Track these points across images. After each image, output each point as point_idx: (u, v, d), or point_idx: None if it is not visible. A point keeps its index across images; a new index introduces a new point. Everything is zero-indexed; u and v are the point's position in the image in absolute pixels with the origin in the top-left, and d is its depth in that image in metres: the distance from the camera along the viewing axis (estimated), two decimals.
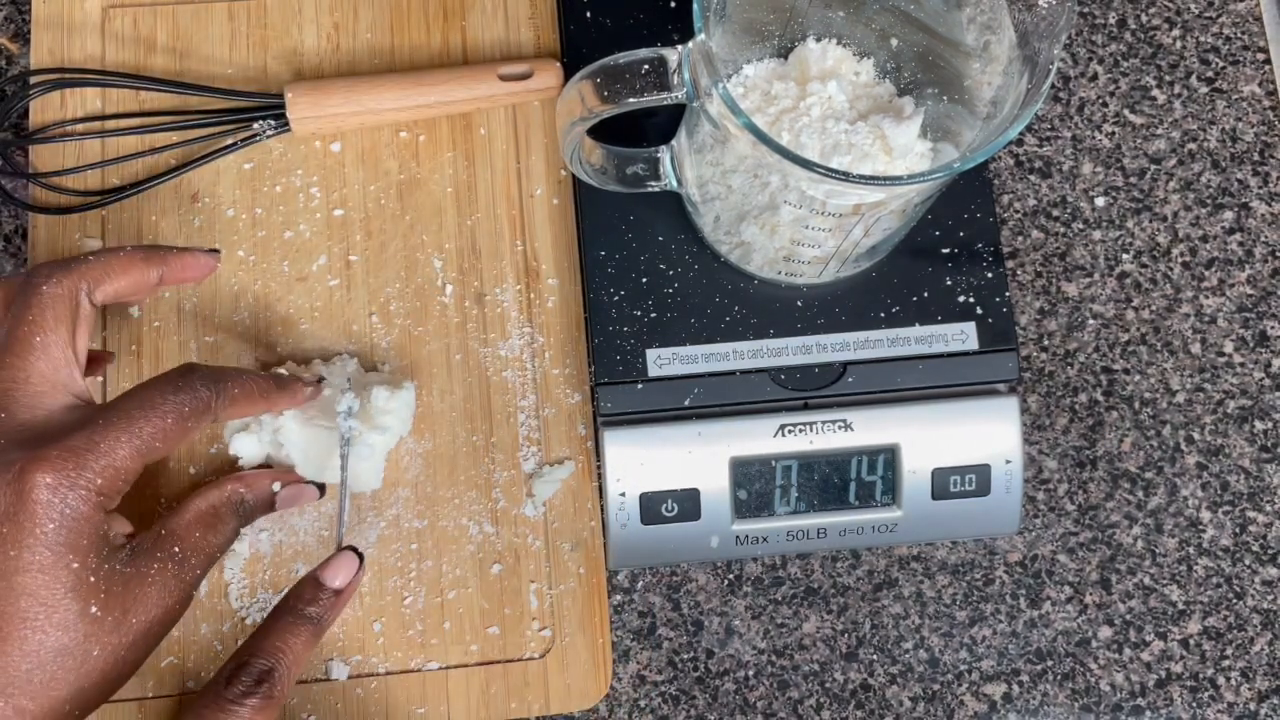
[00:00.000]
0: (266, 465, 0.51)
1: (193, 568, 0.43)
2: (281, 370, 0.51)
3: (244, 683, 0.42)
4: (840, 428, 0.51)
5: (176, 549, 0.43)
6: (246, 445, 0.50)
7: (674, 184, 0.50)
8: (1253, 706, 0.54)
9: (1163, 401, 0.57)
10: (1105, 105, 0.60)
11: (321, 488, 0.50)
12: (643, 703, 0.53)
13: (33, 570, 0.39)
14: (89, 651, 0.40)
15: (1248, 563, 0.55)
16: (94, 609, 0.40)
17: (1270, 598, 0.55)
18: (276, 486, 0.48)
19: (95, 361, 0.49)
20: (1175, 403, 0.57)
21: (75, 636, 0.40)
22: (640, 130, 0.52)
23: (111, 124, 0.55)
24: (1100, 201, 0.59)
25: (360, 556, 0.46)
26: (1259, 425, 0.57)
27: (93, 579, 0.40)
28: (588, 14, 0.54)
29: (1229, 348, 0.57)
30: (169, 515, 0.44)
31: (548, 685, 0.51)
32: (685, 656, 0.53)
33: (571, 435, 0.53)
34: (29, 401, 0.42)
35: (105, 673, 0.41)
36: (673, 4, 0.54)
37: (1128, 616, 0.55)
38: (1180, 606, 0.55)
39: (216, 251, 0.50)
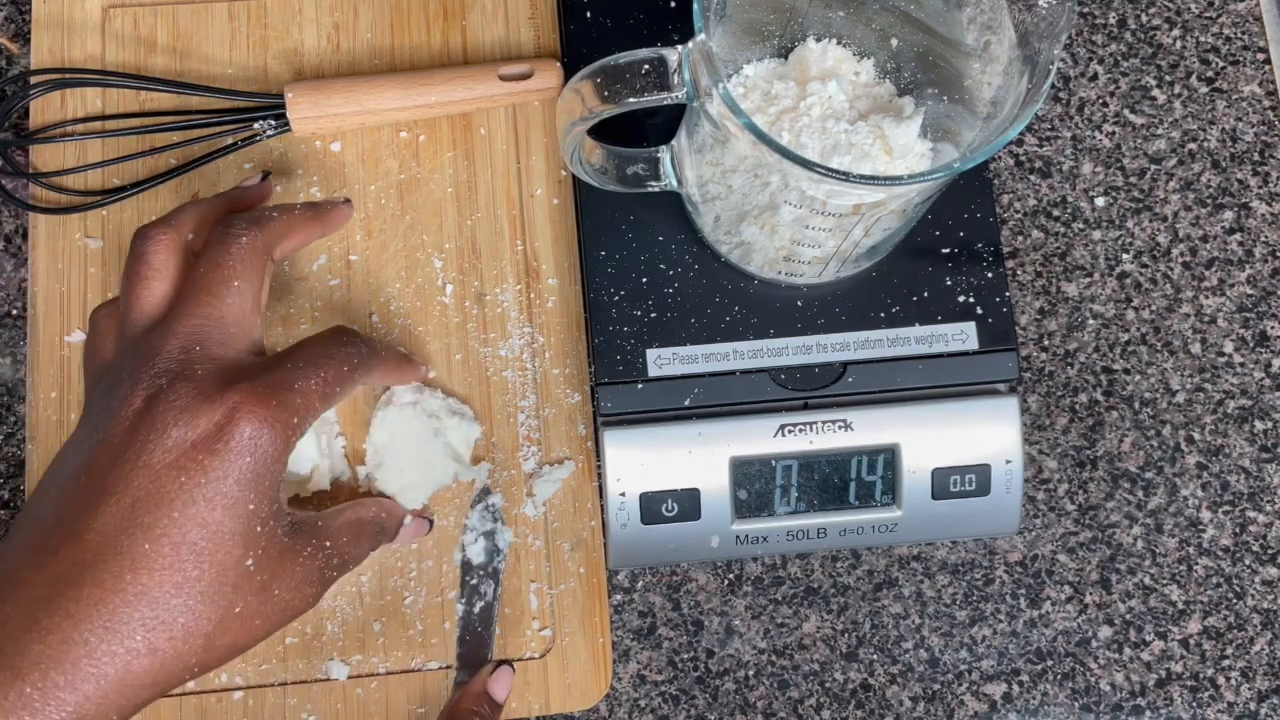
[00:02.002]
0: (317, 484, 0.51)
1: (333, 569, 0.43)
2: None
3: None
4: (840, 428, 0.51)
5: (328, 543, 0.43)
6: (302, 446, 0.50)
7: (674, 184, 0.50)
8: (1253, 706, 0.54)
9: (1163, 401, 0.57)
10: (1105, 105, 0.60)
11: (430, 522, 0.52)
12: (643, 703, 0.53)
13: (215, 503, 0.38)
14: (231, 606, 0.39)
15: (1248, 562, 0.55)
16: (250, 562, 0.39)
17: (1270, 597, 0.55)
18: (408, 520, 0.50)
19: None
20: (1175, 403, 0.57)
21: (225, 583, 0.39)
22: (640, 130, 0.52)
23: (112, 124, 0.55)
24: (1100, 201, 0.59)
25: (513, 669, 0.50)
26: (1259, 425, 0.57)
27: (259, 529, 0.39)
28: (588, 14, 0.54)
29: (1229, 348, 0.58)
30: (325, 514, 0.45)
31: (548, 685, 0.51)
32: (685, 656, 0.53)
33: (571, 435, 0.53)
34: (221, 339, 0.42)
35: (234, 635, 0.40)
36: (673, 4, 0.54)
37: (1128, 616, 0.55)
38: (1180, 606, 0.55)
39: (349, 202, 0.51)
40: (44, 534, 0.38)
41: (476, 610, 0.50)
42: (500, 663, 0.49)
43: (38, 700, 0.35)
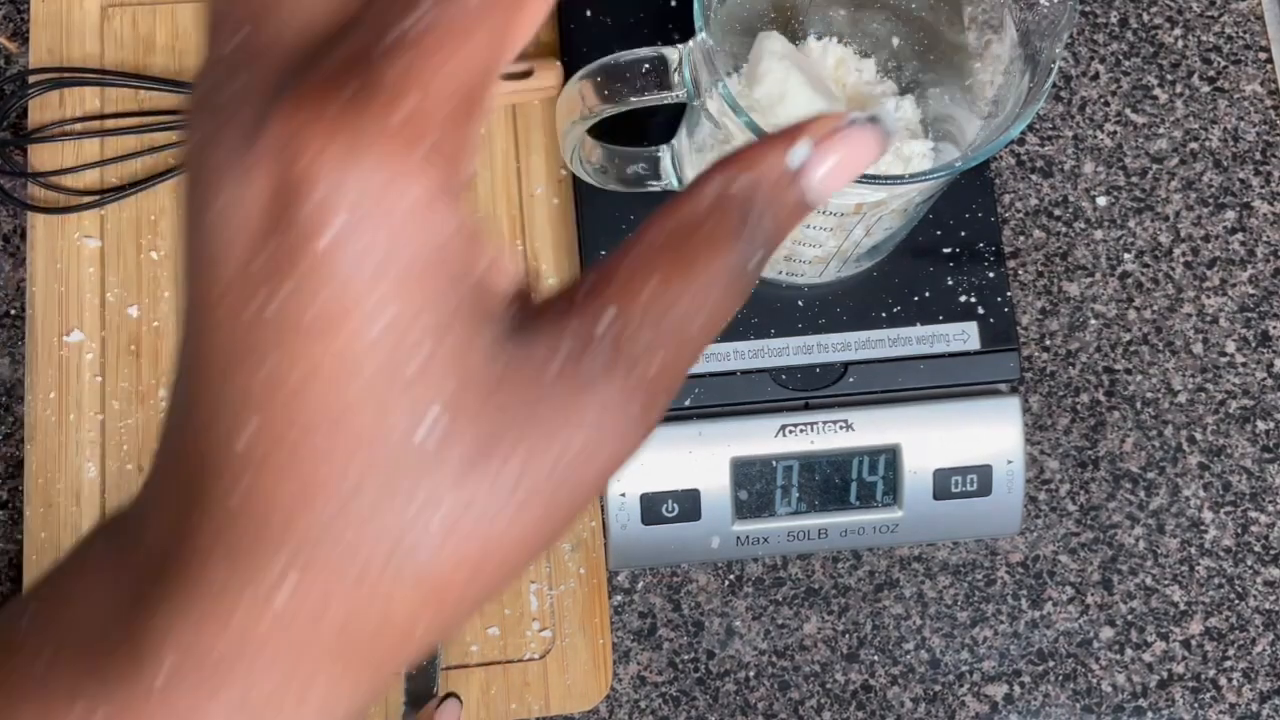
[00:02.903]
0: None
1: (648, 359, 0.20)
2: None
3: None
4: (841, 428, 0.50)
5: (623, 324, 0.20)
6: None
7: (675, 183, 0.50)
8: (1255, 707, 0.54)
9: (1164, 401, 0.57)
10: (1107, 104, 0.60)
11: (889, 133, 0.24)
12: (643, 704, 0.53)
13: (344, 365, 0.18)
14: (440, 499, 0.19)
15: (1250, 563, 0.55)
16: (499, 396, 0.19)
17: (1272, 598, 0.55)
18: (801, 152, 0.21)
19: None
20: (1177, 403, 0.57)
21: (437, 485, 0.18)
22: (641, 130, 0.52)
23: (110, 123, 0.55)
24: (1102, 201, 0.59)
25: (461, 702, 0.48)
26: (1261, 425, 0.57)
27: (474, 359, 0.19)
28: (588, 13, 0.54)
29: (1231, 348, 0.57)
30: (594, 271, 0.21)
31: (548, 686, 0.51)
32: (686, 657, 0.53)
33: None
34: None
35: (490, 548, 0.19)
36: (673, 3, 0.54)
37: (1129, 617, 0.55)
38: (1182, 607, 0.55)
39: None
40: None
41: None
42: (447, 695, 0.48)
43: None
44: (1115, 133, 0.59)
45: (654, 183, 0.50)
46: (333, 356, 0.18)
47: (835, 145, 0.21)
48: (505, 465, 0.19)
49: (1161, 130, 0.59)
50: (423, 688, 0.49)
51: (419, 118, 0.18)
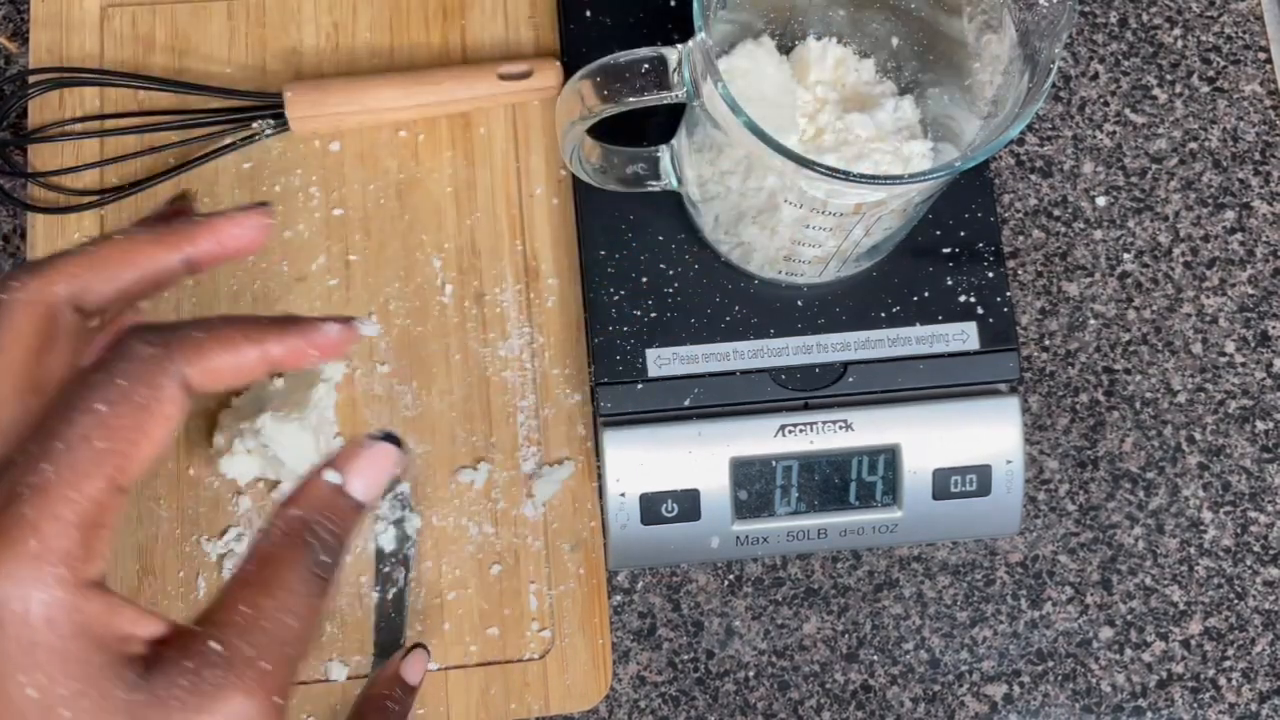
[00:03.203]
0: (263, 479, 0.51)
1: (254, 663, 0.27)
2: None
3: None
4: (841, 428, 0.50)
5: (214, 643, 0.26)
6: (237, 465, 0.50)
7: (674, 183, 0.50)
8: (1254, 707, 0.54)
9: (1164, 401, 0.57)
10: (1106, 104, 0.60)
11: (400, 442, 0.31)
12: (643, 704, 0.53)
13: None
14: None
15: (1249, 563, 0.55)
16: None
17: (1272, 598, 0.55)
18: (333, 476, 0.30)
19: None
20: (1176, 403, 0.57)
21: None
22: (640, 130, 0.52)
23: (110, 123, 0.55)
24: (1101, 201, 0.59)
25: (429, 652, 0.48)
26: (1260, 425, 0.57)
27: (68, 714, 0.25)
28: (588, 13, 0.54)
29: (1230, 348, 0.57)
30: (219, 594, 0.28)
31: (547, 686, 0.51)
32: (685, 657, 0.53)
33: (571, 435, 0.53)
34: None
35: None
36: (673, 3, 0.54)
37: (1129, 617, 0.55)
38: (1181, 607, 0.55)
39: (265, 205, 0.36)
40: None
41: (390, 597, 0.50)
42: (414, 646, 0.48)
43: None
44: (1115, 133, 0.59)
45: (653, 183, 0.50)
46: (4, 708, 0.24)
47: (360, 466, 0.30)
48: None
49: (1161, 130, 0.59)
50: (390, 639, 0.50)
51: (54, 540, 0.25)
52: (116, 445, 0.27)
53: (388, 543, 0.50)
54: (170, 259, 0.34)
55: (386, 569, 0.50)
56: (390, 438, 0.32)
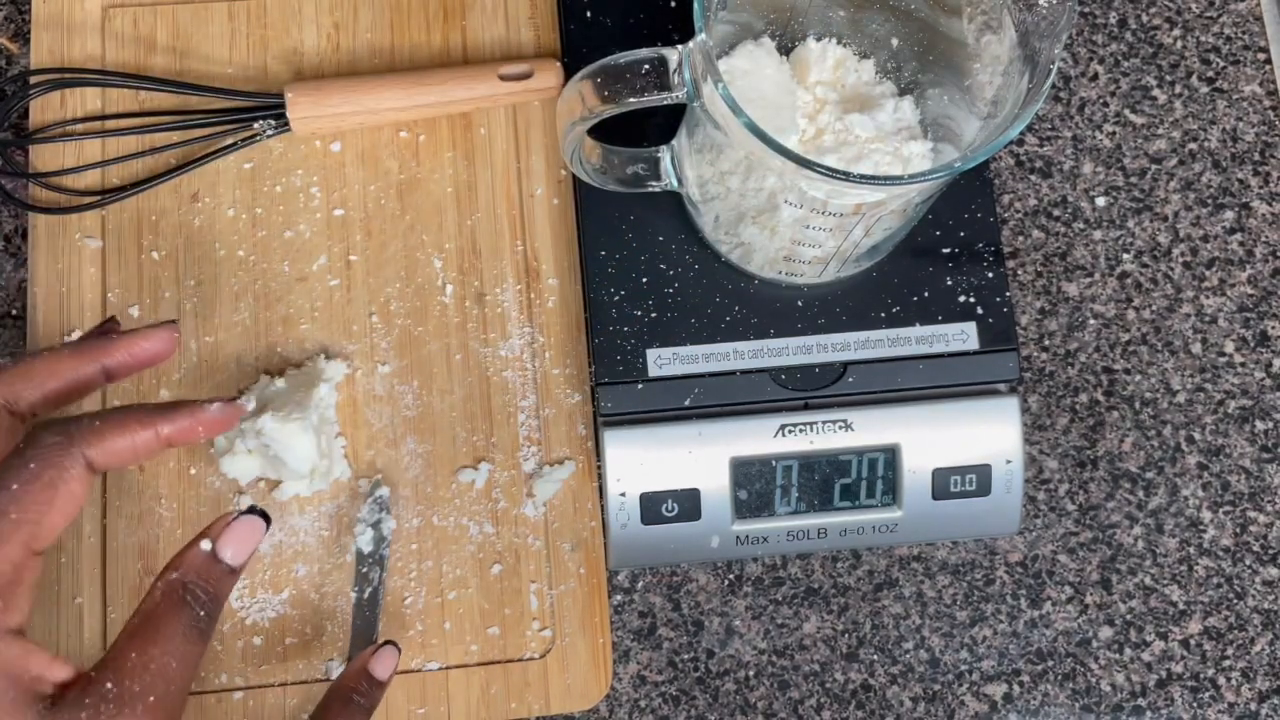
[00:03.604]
0: (264, 478, 0.51)
1: (139, 697, 0.34)
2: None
3: None
4: (840, 428, 0.50)
5: (109, 685, 0.34)
6: (238, 464, 0.50)
7: (674, 184, 0.50)
8: (1253, 707, 0.54)
9: (1163, 401, 0.57)
10: (1106, 105, 0.60)
11: (265, 516, 0.41)
12: (643, 703, 0.53)
13: None
14: None
15: (1248, 563, 0.55)
16: None
17: (1271, 598, 0.55)
18: (206, 545, 0.39)
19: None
20: (1176, 403, 0.57)
21: None
22: (640, 130, 0.52)
23: (111, 124, 0.55)
24: (1101, 201, 0.59)
25: (398, 647, 0.48)
26: (1260, 425, 0.57)
27: None
28: (588, 14, 0.54)
29: (1230, 348, 0.57)
30: (109, 651, 0.36)
31: (548, 685, 0.51)
32: (685, 657, 0.53)
33: (571, 435, 0.53)
34: None
35: None
36: (673, 4, 0.54)
37: (1128, 617, 0.55)
38: (1181, 607, 0.55)
39: (173, 322, 0.45)
40: None
41: (366, 596, 0.50)
42: (385, 642, 0.48)
43: None
44: (1114, 133, 0.59)
45: (654, 183, 0.50)
46: None
47: (230, 536, 0.38)
48: None
49: (1160, 131, 0.60)
50: (365, 636, 0.50)
51: None
52: (28, 516, 0.34)
53: (366, 544, 0.51)
54: (89, 369, 0.42)
55: (364, 569, 0.50)
56: (255, 510, 0.40)
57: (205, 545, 0.38)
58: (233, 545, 0.38)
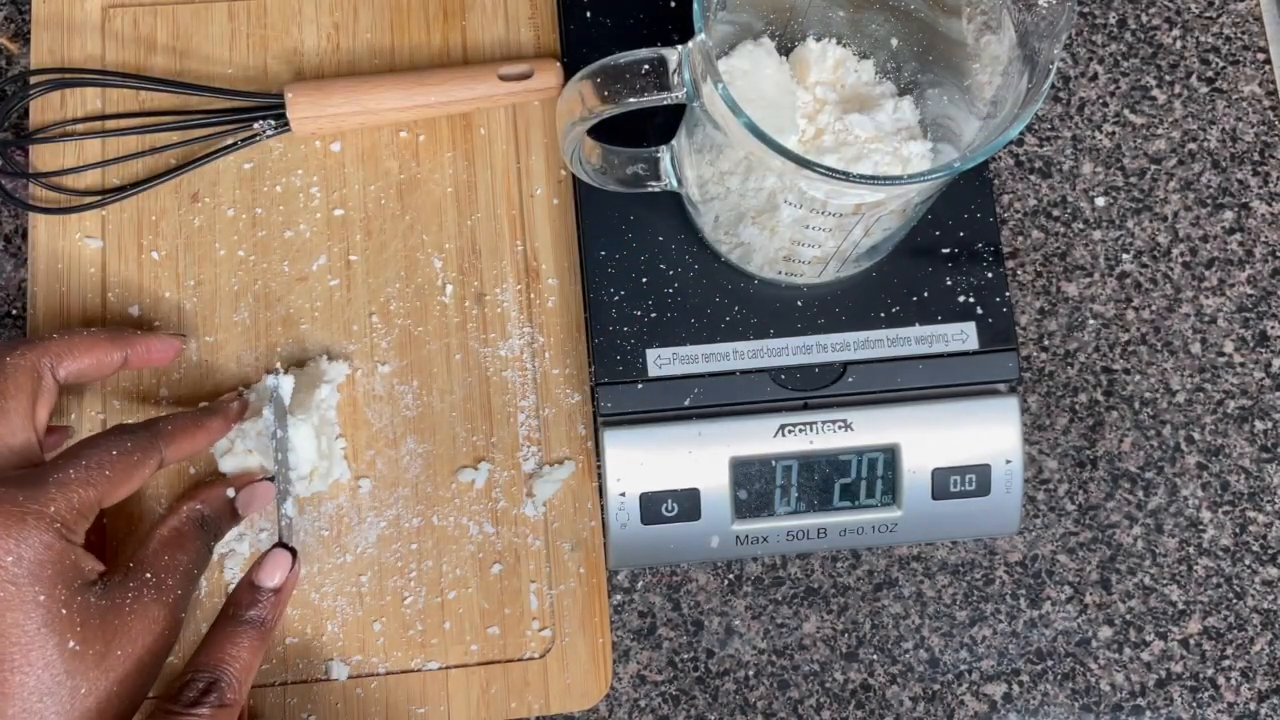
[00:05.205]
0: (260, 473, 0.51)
1: (170, 589, 0.44)
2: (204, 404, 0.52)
3: (190, 696, 0.43)
4: (840, 428, 0.51)
5: (149, 574, 0.43)
6: (237, 464, 0.50)
7: (674, 184, 0.50)
8: (1253, 706, 0.54)
9: (1163, 401, 0.57)
10: (1105, 105, 0.60)
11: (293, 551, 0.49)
12: (643, 703, 0.53)
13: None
14: (75, 689, 0.40)
15: (1248, 563, 0.55)
16: (72, 643, 0.40)
17: (1270, 598, 0.55)
18: (231, 493, 0.48)
19: (56, 433, 0.50)
20: (1175, 403, 0.57)
21: (57, 674, 0.40)
22: (640, 130, 0.52)
23: (111, 124, 0.55)
24: (1100, 201, 0.59)
25: (293, 553, 0.48)
26: (1259, 425, 0.57)
27: (65, 612, 0.40)
28: (588, 14, 0.54)
29: (1229, 348, 0.57)
30: (136, 548, 0.45)
31: (548, 685, 0.51)
32: (685, 656, 0.53)
33: (571, 435, 0.53)
34: None
35: (100, 711, 0.41)
36: (673, 4, 0.54)
37: (1128, 616, 0.55)
38: (1180, 606, 0.55)
39: (183, 336, 0.52)
40: None
41: (285, 508, 0.49)
42: (273, 546, 0.48)
43: None
44: (1114, 133, 0.59)
45: (653, 183, 0.50)
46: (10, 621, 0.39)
47: (249, 499, 0.49)
48: (110, 652, 0.41)
49: (1160, 131, 0.60)
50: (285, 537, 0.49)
51: (61, 509, 0.41)
52: (113, 477, 0.43)
53: (270, 463, 0.50)
54: (116, 355, 0.48)
55: (281, 485, 0.49)
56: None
57: (229, 491, 0.48)
58: (248, 502, 0.49)
